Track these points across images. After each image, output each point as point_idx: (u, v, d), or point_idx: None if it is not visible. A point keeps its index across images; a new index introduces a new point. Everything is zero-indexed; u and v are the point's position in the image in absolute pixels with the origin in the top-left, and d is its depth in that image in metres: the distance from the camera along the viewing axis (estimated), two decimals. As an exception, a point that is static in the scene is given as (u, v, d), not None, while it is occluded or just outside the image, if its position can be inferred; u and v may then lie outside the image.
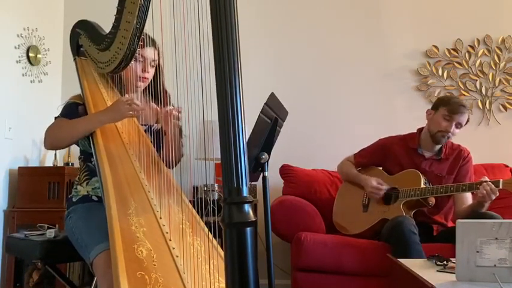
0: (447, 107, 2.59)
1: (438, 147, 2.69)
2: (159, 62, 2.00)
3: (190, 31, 1.35)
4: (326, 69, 3.65)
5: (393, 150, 2.77)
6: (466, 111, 2.60)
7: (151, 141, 1.90)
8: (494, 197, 2.36)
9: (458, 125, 2.60)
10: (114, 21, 1.73)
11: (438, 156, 2.69)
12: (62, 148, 2.06)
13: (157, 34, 1.63)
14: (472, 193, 2.55)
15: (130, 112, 1.77)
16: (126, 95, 1.86)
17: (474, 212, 2.49)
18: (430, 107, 2.82)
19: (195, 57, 1.32)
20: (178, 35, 1.46)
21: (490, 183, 2.35)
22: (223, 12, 0.87)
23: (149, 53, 1.95)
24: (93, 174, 1.88)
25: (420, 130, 2.77)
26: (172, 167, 1.86)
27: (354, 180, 2.84)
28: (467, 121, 2.64)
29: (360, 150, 2.90)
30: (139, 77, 1.96)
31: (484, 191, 2.33)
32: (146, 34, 1.84)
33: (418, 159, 2.70)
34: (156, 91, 1.96)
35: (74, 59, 2.08)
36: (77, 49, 2.06)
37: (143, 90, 2.04)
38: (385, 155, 2.80)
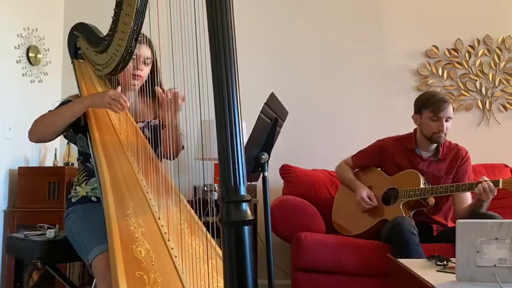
0: (429, 109, 2.57)
1: (436, 145, 2.68)
2: (156, 61, 2.00)
3: (187, 31, 1.35)
4: (326, 69, 3.65)
5: (390, 151, 2.76)
6: (449, 104, 2.58)
7: (150, 137, 1.90)
8: (491, 196, 2.35)
9: (448, 119, 2.58)
10: (112, 24, 1.74)
11: (436, 157, 2.67)
12: (49, 139, 1.92)
13: (155, 35, 1.63)
14: (472, 193, 2.54)
15: (112, 106, 1.76)
16: (118, 88, 1.86)
17: (474, 212, 2.48)
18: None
19: (192, 57, 1.32)
20: (175, 35, 1.47)
21: (488, 181, 2.34)
22: (220, 13, 0.87)
23: (142, 50, 1.95)
24: (91, 175, 1.88)
25: (417, 130, 2.75)
26: (172, 159, 1.86)
27: (349, 185, 2.85)
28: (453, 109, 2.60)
29: (358, 152, 2.89)
30: (132, 74, 1.95)
31: (482, 188, 2.33)
32: (143, 34, 1.84)
33: (415, 160, 2.69)
34: (153, 91, 1.96)
35: (72, 62, 2.08)
36: (74, 52, 2.06)
37: (141, 89, 2.04)
38: (382, 156, 2.79)
